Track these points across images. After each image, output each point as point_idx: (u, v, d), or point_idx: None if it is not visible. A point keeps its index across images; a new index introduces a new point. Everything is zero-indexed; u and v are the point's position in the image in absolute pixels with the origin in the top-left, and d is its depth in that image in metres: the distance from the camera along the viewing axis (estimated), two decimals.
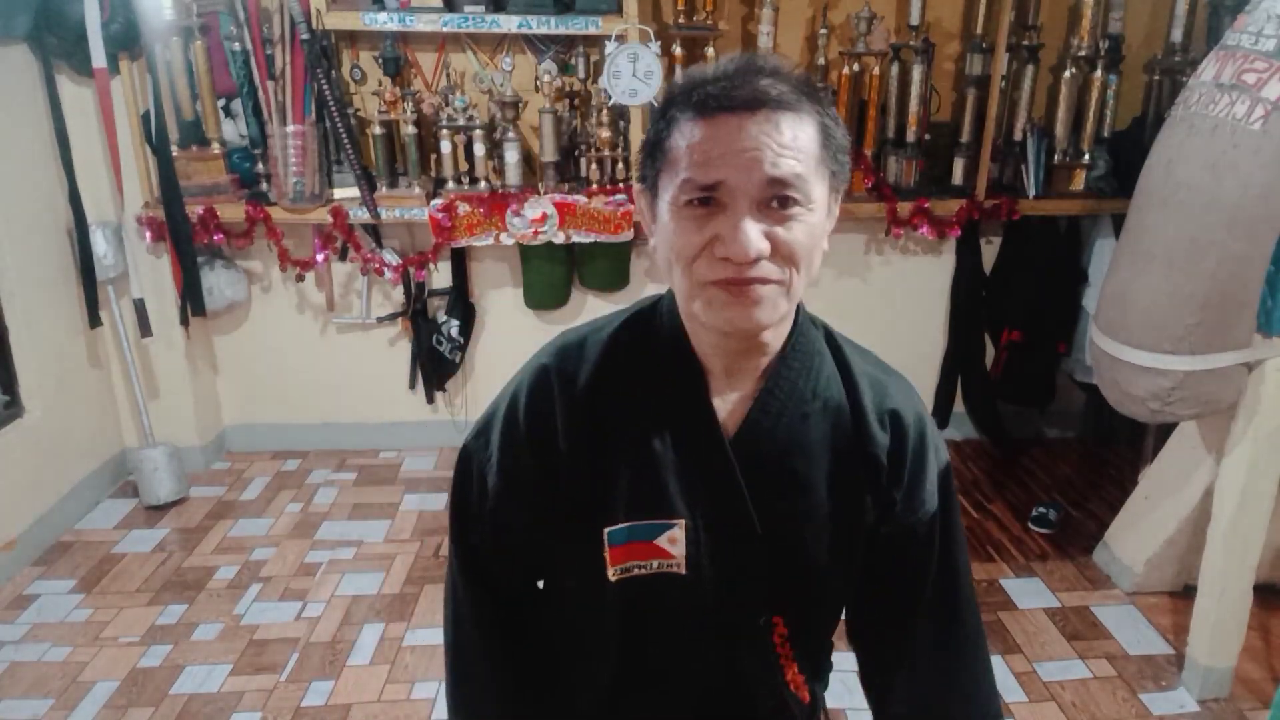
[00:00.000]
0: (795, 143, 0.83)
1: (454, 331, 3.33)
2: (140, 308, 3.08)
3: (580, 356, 0.97)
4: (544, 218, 3.00)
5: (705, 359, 0.94)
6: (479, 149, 3.02)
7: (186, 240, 3.00)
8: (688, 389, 0.94)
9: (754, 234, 0.82)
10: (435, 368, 3.40)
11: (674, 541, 0.93)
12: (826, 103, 0.87)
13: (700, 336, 0.93)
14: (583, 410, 0.94)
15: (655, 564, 0.95)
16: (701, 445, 0.94)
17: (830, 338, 1.01)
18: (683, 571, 0.94)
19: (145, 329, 3.09)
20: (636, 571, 0.95)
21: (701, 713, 1.03)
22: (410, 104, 2.98)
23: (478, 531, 1.03)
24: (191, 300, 3.10)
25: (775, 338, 0.93)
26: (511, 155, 3.02)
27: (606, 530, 0.94)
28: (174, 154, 2.94)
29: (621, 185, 3.05)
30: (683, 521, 0.93)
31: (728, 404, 0.95)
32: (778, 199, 0.83)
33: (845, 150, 0.89)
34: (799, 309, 0.95)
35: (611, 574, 0.95)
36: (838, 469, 0.95)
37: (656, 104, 0.94)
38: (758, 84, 0.83)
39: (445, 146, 3.02)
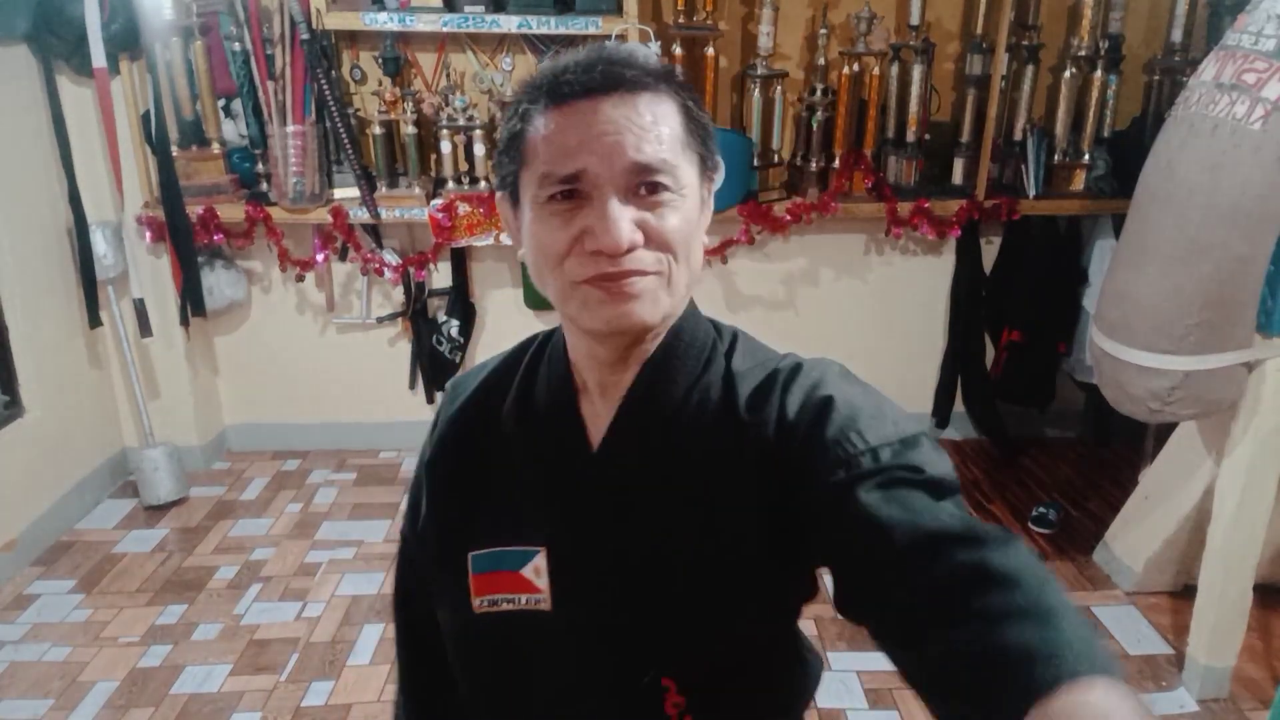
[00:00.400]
0: (657, 124, 0.76)
1: (454, 331, 3.33)
2: (140, 308, 3.08)
3: (477, 374, 0.93)
4: None
5: (581, 371, 0.84)
6: (479, 149, 3.02)
7: (186, 240, 3.00)
8: (558, 402, 0.85)
9: (624, 221, 0.74)
10: (435, 368, 3.40)
11: (539, 572, 0.81)
12: (685, 85, 0.81)
13: (577, 346, 0.84)
14: (457, 425, 0.90)
15: (521, 599, 0.82)
16: (566, 462, 0.84)
17: (733, 344, 0.86)
18: (548, 608, 0.81)
19: (145, 329, 3.09)
20: (504, 605, 0.83)
21: None
22: (410, 104, 2.98)
23: (401, 567, 0.99)
24: (191, 300, 3.10)
25: (655, 338, 0.82)
26: None
27: (470, 554, 0.84)
28: (174, 154, 2.94)
29: None
30: (544, 548, 0.82)
31: (599, 418, 0.83)
32: (645, 185, 0.75)
33: (712, 135, 0.81)
34: (689, 313, 0.84)
35: (475, 605, 0.84)
36: (717, 478, 0.80)
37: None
38: (611, 68, 0.76)
39: (445, 146, 3.02)
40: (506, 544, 0.83)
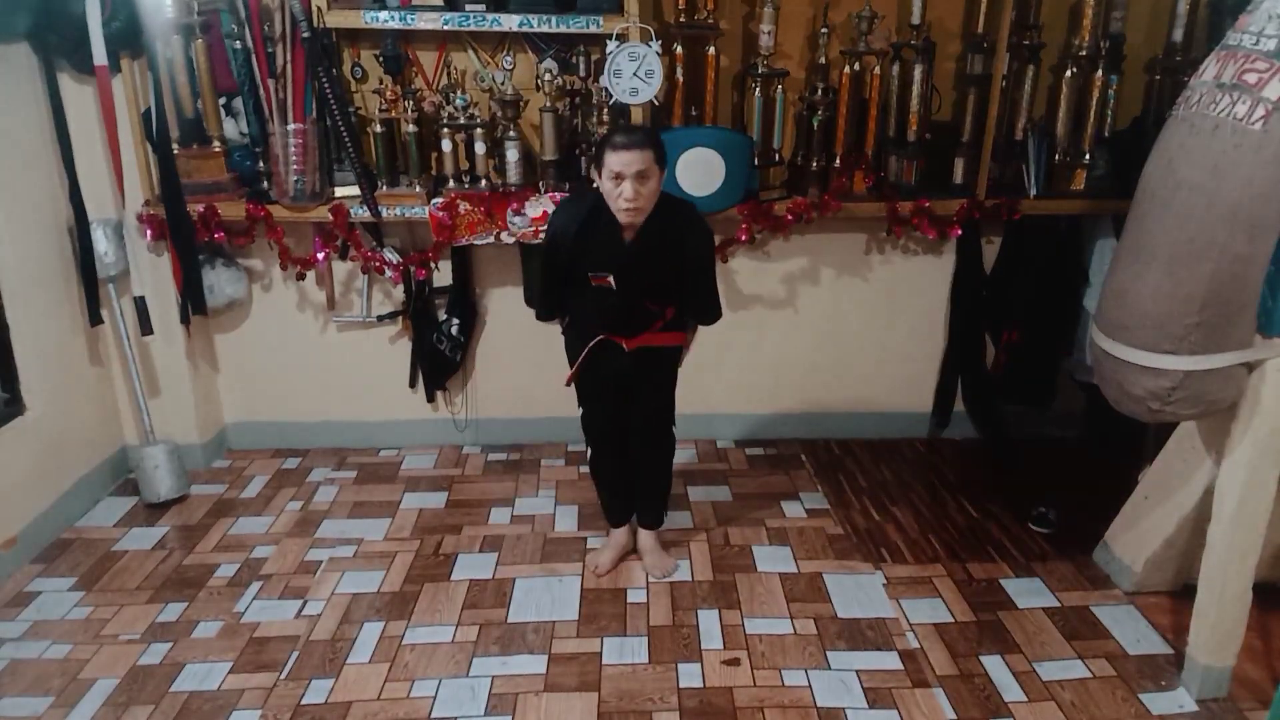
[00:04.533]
0: (644, 159, 2.20)
1: (454, 330, 3.33)
2: (141, 305, 3.08)
3: (580, 207, 2.40)
4: (545, 216, 3.00)
5: (619, 220, 2.31)
6: (480, 147, 3.02)
7: (187, 238, 3.01)
8: (612, 226, 2.30)
9: (631, 190, 2.20)
10: (435, 367, 3.40)
11: (612, 280, 2.35)
12: (657, 140, 2.28)
13: (617, 217, 2.30)
14: (581, 224, 2.34)
15: (604, 287, 2.37)
16: (617, 246, 2.32)
17: (678, 203, 2.44)
18: (614, 287, 2.36)
19: (146, 327, 3.09)
20: (599, 284, 2.37)
21: (622, 325, 2.46)
22: (411, 102, 2.98)
23: (552, 246, 2.44)
24: (192, 298, 3.10)
25: (643, 219, 2.30)
26: (512, 154, 3.03)
27: (589, 273, 2.37)
28: (175, 152, 2.94)
29: None
30: (612, 275, 2.34)
31: (626, 237, 2.31)
32: (639, 176, 2.19)
33: (664, 158, 2.29)
34: (661, 197, 2.34)
35: (591, 282, 2.38)
36: (665, 247, 2.34)
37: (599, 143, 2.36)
38: (634, 138, 2.22)
39: (446, 145, 3.02)
40: (599, 271, 2.35)
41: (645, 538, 2.81)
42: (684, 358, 2.67)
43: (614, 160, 2.17)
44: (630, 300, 2.40)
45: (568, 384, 2.60)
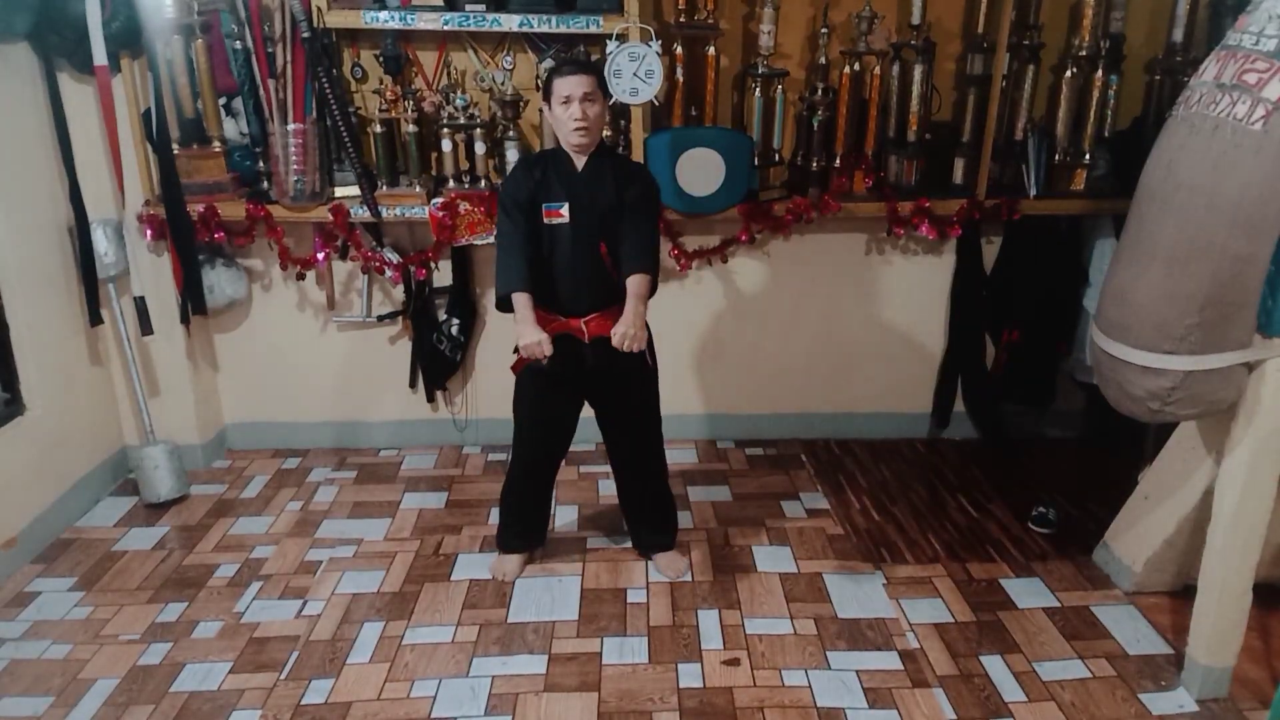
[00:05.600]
0: (590, 83, 2.33)
1: (454, 330, 3.33)
2: (141, 306, 3.08)
3: (537, 155, 2.57)
4: None
5: (570, 154, 2.42)
6: (480, 147, 3.03)
7: (187, 238, 3.01)
8: (565, 159, 2.43)
9: (579, 110, 2.33)
10: (435, 367, 3.40)
11: (564, 211, 2.40)
12: (599, 69, 2.53)
13: (568, 148, 2.42)
14: (535, 170, 2.43)
15: (556, 220, 2.41)
16: (570, 175, 2.41)
17: (613, 148, 2.90)
18: (568, 221, 2.41)
19: (146, 327, 3.09)
20: (552, 221, 2.41)
21: (579, 288, 2.45)
22: (411, 102, 2.98)
23: (510, 195, 2.43)
24: (192, 298, 3.10)
25: (592, 146, 2.42)
26: (512, 154, 3.03)
27: (543, 205, 2.41)
28: (175, 152, 2.94)
29: None
30: (567, 204, 2.40)
31: (578, 165, 2.42)
32: (587, 98, 2.33)
33: (604, 83, 2.47)
34: (603, 138, 2.52)
35: (545, 221, 2.42)
36: (615, 185, 2.41)
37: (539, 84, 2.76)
38: (579, 65, 2.39)
39: (446, 145, 3.02)
40: (553, 202, 2.41)
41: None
42: (654, 358, 2.56)
43: (562, 85, 2.32)
44: (583, 237, 2.39)
45: (514, 369, 2.54)
